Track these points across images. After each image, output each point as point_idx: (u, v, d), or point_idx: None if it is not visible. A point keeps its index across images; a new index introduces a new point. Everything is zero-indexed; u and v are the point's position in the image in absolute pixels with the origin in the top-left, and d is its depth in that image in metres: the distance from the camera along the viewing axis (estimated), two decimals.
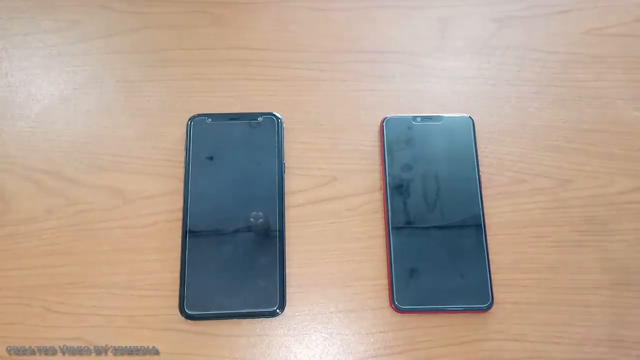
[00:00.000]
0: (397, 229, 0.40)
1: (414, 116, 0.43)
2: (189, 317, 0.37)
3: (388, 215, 0.40)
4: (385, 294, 0.39)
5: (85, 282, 0.39)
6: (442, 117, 0.43)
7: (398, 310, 0.38)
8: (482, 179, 0.42)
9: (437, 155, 0.42)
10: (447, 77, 0.46)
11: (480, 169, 0.42)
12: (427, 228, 0.39)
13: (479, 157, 0.42)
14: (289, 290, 0.39)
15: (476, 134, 0.43)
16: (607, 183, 0.43)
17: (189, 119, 0.42)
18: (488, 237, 0.40)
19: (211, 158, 0.41)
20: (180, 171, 0.41)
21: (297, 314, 0.39)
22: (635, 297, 0.40)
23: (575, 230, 0.41)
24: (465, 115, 0.43)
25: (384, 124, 0.43)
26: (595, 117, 0.45)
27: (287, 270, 0.39)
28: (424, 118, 0.43)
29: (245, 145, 0.42)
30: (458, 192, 0.41)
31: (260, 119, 0.42)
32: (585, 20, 0.48)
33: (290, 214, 0.41)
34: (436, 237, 0.39)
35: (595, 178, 0.43)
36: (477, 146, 0.42)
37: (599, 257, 0.41)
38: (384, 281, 0.39)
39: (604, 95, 0.45)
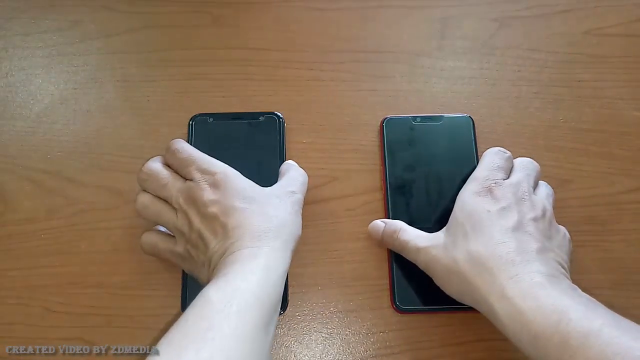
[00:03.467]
0: None
1: (413, 116, 0.43)
2: None
3: (389, 215, 0.40)
4: (385, 294, 0.39)
5: (85, 282, 0.39)
6: (442, 117, 0.43)
7: (399, 310, 0.38)
8: None
9: (437, 155, 0.42)
10: (447, 77, 0.46)
11: None
12: (427, 228, 0.39)
13: (479, 157, 0.42)
14: (289, 290, 0.39)
15: (476, 133, 0.43)
16: (607, 183, 0.43)
17: (191, 119, 0.42)
18: None
19: (213, 158, 0.41)
20: None
21: (297, 314, 0.39)
22: (635, 297, 0.40)
23: (575, 230, 0.41)
24: (465, 115, 0.43)
25: (384, 124, 0.43)
26: (595, 117, 0.45)
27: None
28: (423, 118, 0.43)
29: (246, 145, 0.42)
30: (458, 192, 0.41)
31: (261, 118, 0.42)
32: (586, 20, 0.48)
33: None
34: None
35: (595, 178, 0.43)
36: (477, 146, 0.42)
37: (599, 257, 0.41)
38: (384, 281, 0.39)
39: (604, 95, 0.45)
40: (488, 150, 0.39)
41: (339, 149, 0.43)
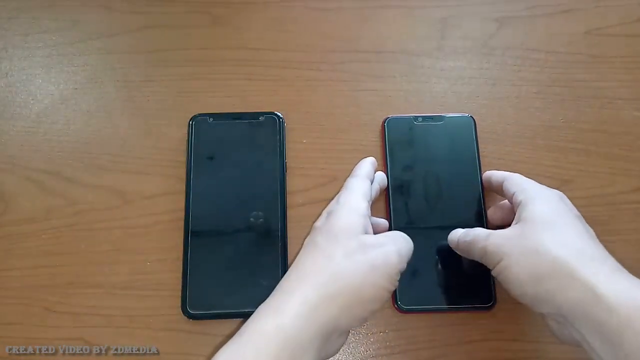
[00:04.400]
0: (399, 229, 0.40)
1: (415, 116, 0.43)
2: (192, 316, 0.37)
3: (390, 216, 0.40)
4: None
5: (85, 282, 0.39)
6: (444, 117, 0.43)
7: (401, 310, 0.38)
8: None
9: (438, 156, 0.42)
10: (447, 77, 0.46)
11: (482, 169, 0.42)
12: (429, 228, 0.39)
13: (481, 157, 0.42)
14: None
15: (477, 133, 0.43)
16: (607, 183, 0.43)
17: (191, 119, 0.42)
18: None
19: (213, 158, 0.41)
20: (181, 171, 0.41)
21: None
22: None
23: None
24: (466, 115, 0.43)
25: (385, 124, 0.43)
26: (595, 117, 0.45)
27: None
28: (425, 118, 0.43)
29: (247, 145, 0.42)
30: (460, 192, 0.41)
31: (261, 118, 0.42)
32: (586, 20, 0.48)
33: (290, 214, 0.41)
34: (438, 237, 0.39)
35: (595, 178, 0.43)
36: (479, 146, 0.42)
37: None
38: None
39: (604, 95, 0.45)
40: (514, 173, 0.38)
41: (339, 149, 0.43)
